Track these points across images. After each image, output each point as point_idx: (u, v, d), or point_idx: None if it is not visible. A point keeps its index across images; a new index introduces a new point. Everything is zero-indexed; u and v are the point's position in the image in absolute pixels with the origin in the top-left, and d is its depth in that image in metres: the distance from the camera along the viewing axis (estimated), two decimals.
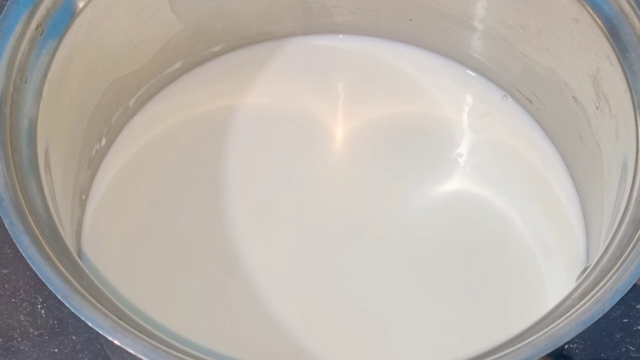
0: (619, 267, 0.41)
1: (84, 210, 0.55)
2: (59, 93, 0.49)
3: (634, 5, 0.47)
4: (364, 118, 0.60)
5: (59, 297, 0.39)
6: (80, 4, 0.49)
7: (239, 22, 0.60)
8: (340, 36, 0.63)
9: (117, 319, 0.39)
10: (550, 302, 0.52)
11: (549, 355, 0.39)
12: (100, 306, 0.40)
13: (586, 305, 0.40)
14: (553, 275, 0.54)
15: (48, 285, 0.39)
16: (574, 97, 0.54)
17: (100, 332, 0.38)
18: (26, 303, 0.57)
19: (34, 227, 0.41)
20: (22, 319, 0.56)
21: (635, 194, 0.45)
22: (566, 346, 0.56)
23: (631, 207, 0.44)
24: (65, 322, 0.56)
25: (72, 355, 0.55)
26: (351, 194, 0.57)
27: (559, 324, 0.39)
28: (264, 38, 0.62)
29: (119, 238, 0.55)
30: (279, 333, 0.51)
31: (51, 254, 0.41)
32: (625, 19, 0.48)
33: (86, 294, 0.40)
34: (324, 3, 0.60)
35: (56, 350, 0.56)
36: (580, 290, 0.41)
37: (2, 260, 0.58)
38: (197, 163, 0.57)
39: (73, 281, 0.40)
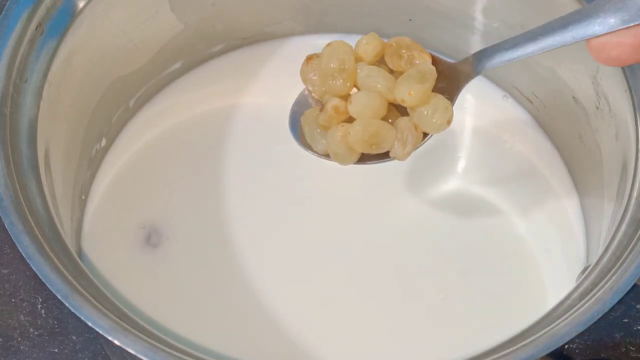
0: (619, 267, 0.41)
1: (84, 210, 0.55)
2: (59, 93, 0.49)
3: None
4: None
5: (59, 297, 0.39)
6: (80, 4, 0.49)
7: (239, 22, 0.60)
8: (340, 36, 0.62)
9: (117, 319, 0.39)
10: (550, 302, 0.52)
11: (549, 355, 0.39)
12: (100, 306, 0.40)
13: (586, 305, 0.40)
14: (553, 275, 0.54)
15: (48, 285, 0.39)
16: (574, 97, 0.54)
17: (100, 332, 0.38)
18: (26, 303, 0.57)
19: (34, 227, 0.41)
20: (22, 319, 0.56)
21: (635, 194, 0.45)
22: (566, 346, 0.56)
23: (631, 207, 0.44)
24: (65, 322, 0.56)
25: (72, 355, 0.55)
26: (351, 193, 0.57)
27: (559, 324, 0.39)
28: (264, 38, 0.62)
29: (119, 238, 0.55)
30: (278, 333, 0.51)
31: (51, 254, 0.41)
32: None
33: (86, 294, 0.40)
34: (324, 3, 0.60)
35: (56, 350, 0.56)
36: (580, 290, 0.42)
37: (2, 260, 0.58)
38: (197, 163, 0.57)
39: (73, 281, 0.40)
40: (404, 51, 0.44)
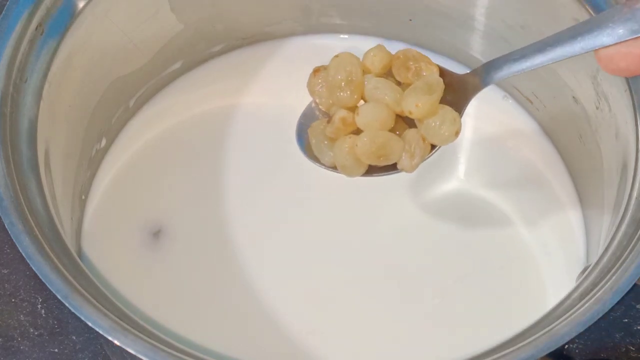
0: (619, 267, 0.41)
1: (84, 210, 0.55)
2: (59, 93, 0.49)
3: None
4: None
5: (59, 297, 0.39)
6: (80, 4, 0.49)
7: (239, 22, 0.60)
8: (340, 36, 0.63)
9: (117, 319, 0.39)
10: (550, 302, 0.52)
11: (549, 355, 0.39)
12: (100, 306, 0.40)
13: (586, 305, 0.40)
14: (553, 275, 0.54)
15: (48, 285, 0.39)
16: (574, 97, 0.54)
17: (100, 332, 0.38)
18: (26, 303, 0.57)
19: (34, 227, 0.41)
20: (22, 319, 0.56)
21: (635, 194, 0.45)
22: (566, 346, 0.56)
23: (631, 207, 0.44)
24: (65, 322, 0.56)
25: (72, 355, 0.55)
26: (351, 194, 0.56)
27: (559, 324, 0.39)
28: (264, 38, 0.62)
29: (119, 238, 0.55)
30: (278, 333, 0.51)
31: (51, 254, 0.41)
32: None
33: (86, 294, 0.40)
34: (324, 3, 0.60)
35: (56, 350, 0.56)
36: (580, 290, 0.42)
37: (2, 260, 0.58)
38: (196, 163, 0.57)
39: (73, 281, 0.40)
40: (411, 63, 0.44)
